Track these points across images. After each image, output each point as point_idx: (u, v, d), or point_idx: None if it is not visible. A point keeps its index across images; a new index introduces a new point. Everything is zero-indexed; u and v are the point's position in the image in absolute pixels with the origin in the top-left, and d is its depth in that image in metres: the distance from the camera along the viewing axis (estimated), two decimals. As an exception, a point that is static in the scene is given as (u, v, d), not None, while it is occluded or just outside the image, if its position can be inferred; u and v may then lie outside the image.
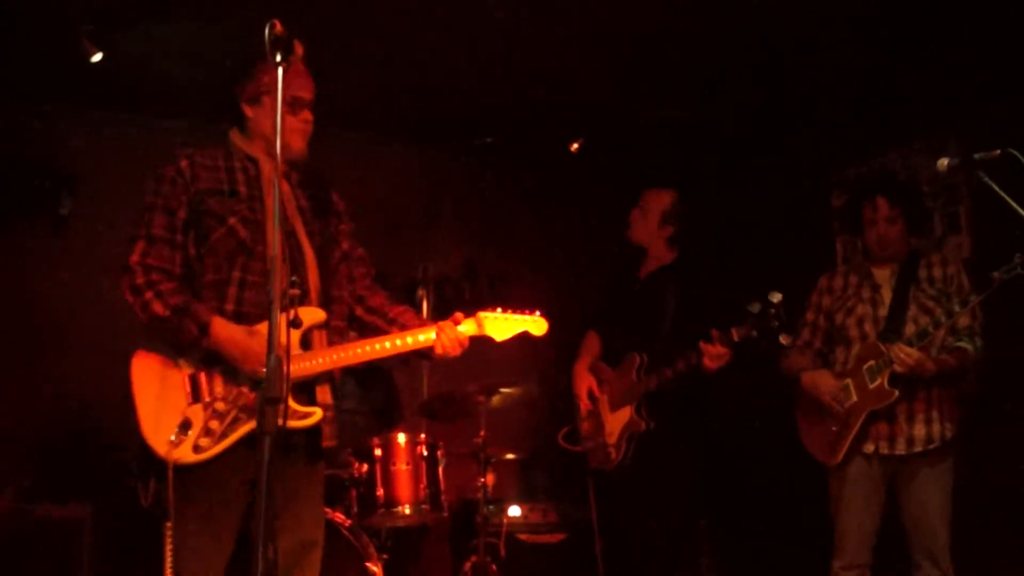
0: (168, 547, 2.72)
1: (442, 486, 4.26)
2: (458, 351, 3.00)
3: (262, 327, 2.73)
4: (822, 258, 5.27)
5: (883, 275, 3.98)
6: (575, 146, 5.82)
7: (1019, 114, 4.17)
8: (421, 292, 5.23)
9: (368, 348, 2.90)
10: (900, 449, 3.79)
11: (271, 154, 2.89)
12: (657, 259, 4.52)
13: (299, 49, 2.38)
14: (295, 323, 2.41)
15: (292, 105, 2.91)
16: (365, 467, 4.16)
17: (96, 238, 5.05)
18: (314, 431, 2.81)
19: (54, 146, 5.27)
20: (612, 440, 4.33)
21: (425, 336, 2.96)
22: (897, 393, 3.73)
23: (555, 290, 5.85)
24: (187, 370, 2.76)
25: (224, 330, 2.72)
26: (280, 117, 2.35)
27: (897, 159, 4.94)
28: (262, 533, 2.11)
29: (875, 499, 3.86)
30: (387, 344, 2.93)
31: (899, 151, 4.94)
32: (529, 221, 6.15)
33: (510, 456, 4.87)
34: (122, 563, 4.54)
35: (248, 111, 2.95)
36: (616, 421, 4.34)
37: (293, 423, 2.70)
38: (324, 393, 2.85)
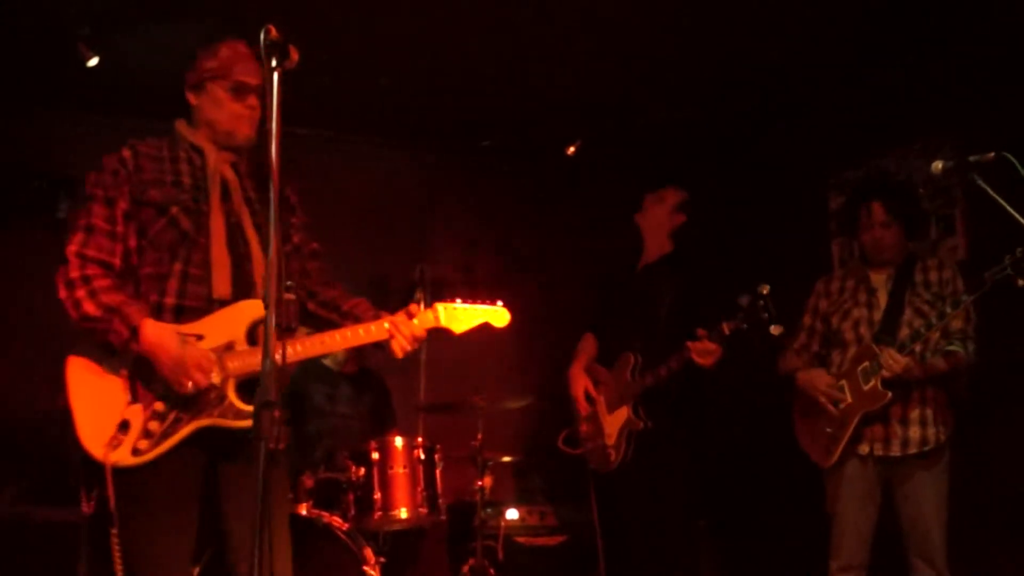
0: (116, 555, 2.60)
1: (439, 489, 4.25)
2: (414, 345, 2.87)
3: (200, 327, 2.66)
4: (818, 260, 5.27)
5: (879, 279, 3.99)
6: (572, 149, 5.83)
7: (1014, 117, 4.18)
8: (419, 294, 5.22)
9: (318, 342, 2.79)
10: (895, 451, 3.79)
11: (217, 143, 2.85)
12: (656, 250, 4.53)
13: (295, 54, 2.35)
14: (289, 329, 2.39)
15: (237, 91, 2.83)
16: (362, 470, 4.14)
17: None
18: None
19: (51, 149, 5.27)
20: (611, 441, 4.33)
21: (377, 328, 2.84)
22: (890, 395, 3.75)
23: (552, 292, 5.86)
24: (124, 369, 2.66)
25: (155, 335, 2.61)
26: (276, 115, 2.29)
27: (893, 161, 4.95)
28: (259, 540, 2.09)
29: (871, 500, 3.87)
30: (337, 338, 2.82)
31: (895, 153, 4.95)
32: (526, 223, 6.16)
33: (507, 459, 4.87)
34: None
35: (192, 99, 2.89)
36: (614, 422, 4.34)
37: (235, 422, 2.63)
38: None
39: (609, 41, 4.76)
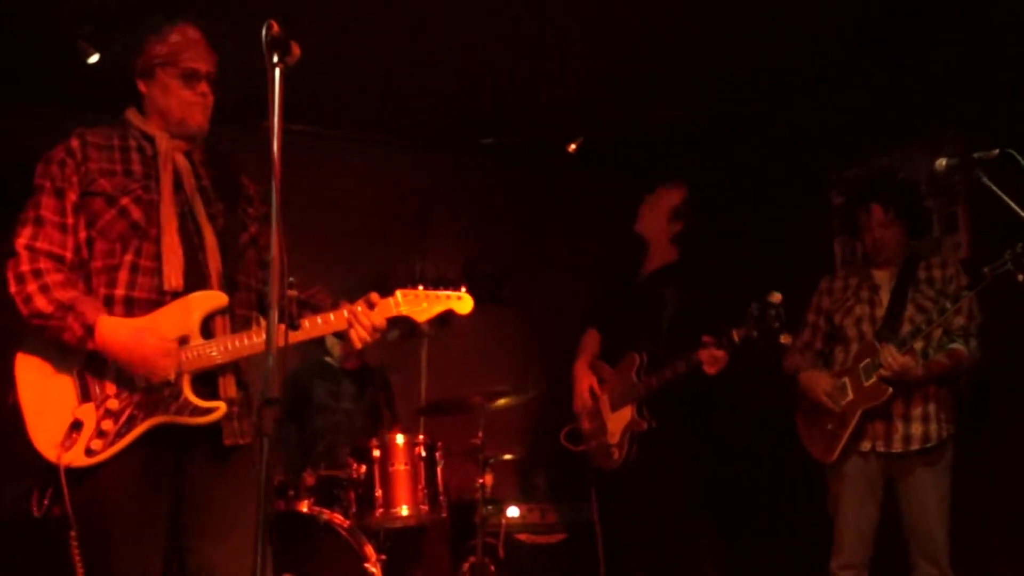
0: (76, 558, 2.51)
1: (441, 487, 4.25)
2: (374, 337, 2.77)
3: (153, 320, 2.57)
4: (820, 259, 5.27)
5: (882, 277, 3.99)
6: (573, 147, 5.82)
7: (1018, 114, 4.17)
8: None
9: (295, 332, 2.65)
10: (897, 447, 3.79)
11: (170, 132, 2.76)
12: (660, 256, 4.52)
13: (296, 50, 2.33)
14: (292, 325, 2.38)
15: (187, 78, 2.74)
16: (363, 468, 4.14)
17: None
18: (213, 429, 2.60)
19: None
20: (614, 440, 4.33)
21: (336, 318, 2.74)
22: (891, 390, 3.75)
23: (554, 290, 5.86)
24: (75, 367, 2.57)
25: (111, 332, 2.51)
26: (277, 112, 2.26)
27: (896, 159, 4.94)
28: (260, 540, 2.08)
29: (872, 498, 3.87)
30: (310, 328, 2.72)
31: (898, 151, 4.94)
32: (528, 221, 6.15)
33: (509, 456, 4.87)
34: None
35: (142, 86, 2.79)
36: (617, 421, 4.34)
37: (191, 419, 2.56)
38: (228, 385, 2.64)
39: (610, 39, 4.75)
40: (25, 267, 2.56)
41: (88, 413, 2.54)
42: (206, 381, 2.61)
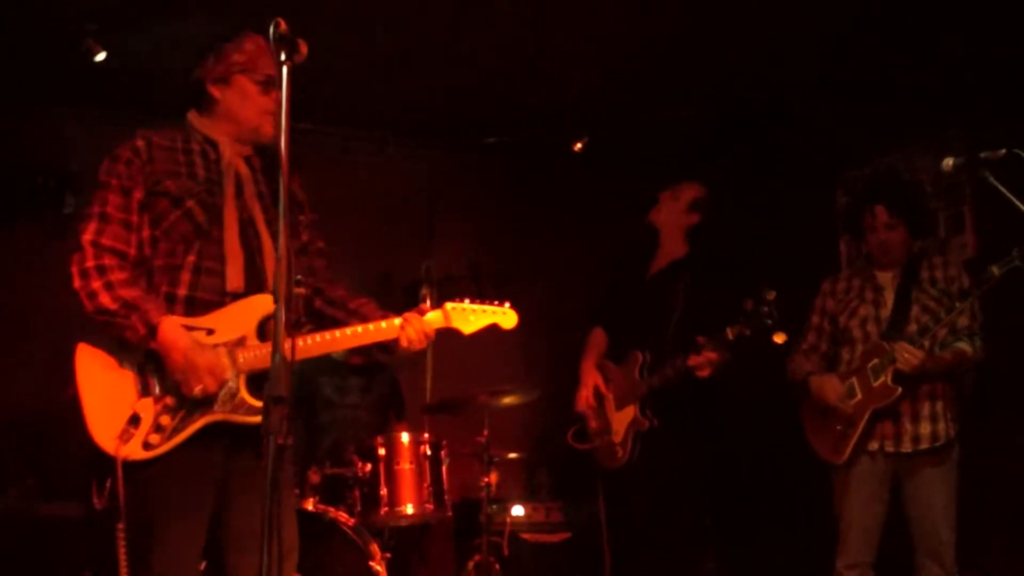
0: (122, 551, 2.57)
1: (445, 485, 4.25)
2: (424, 343, 2.86)
3: (212, 321, 2.64)
4: (826, 258, 5.26)
5: (886, 277, 3.99)
6: (579, 145, 5.82)
7: (1024, 113, 4.17)
8: (424, 291, 5.22)
9: (328, 337, 2.78)
10: (906, 447, 3.79)
11: (240, 138, 2.82)
12: (670, 252, 4.52)
13: (304, 48, 2.35)
14: (298, 324, 2.39)
15: (265, 85, 2.79)
16: (368, 466, 4.15)
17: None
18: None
19: (58, 145, 5.27)
20: (618, 439, 4.33)
21: (388, 325, 2.83)
22: (900, 390, 3.74)
23: (559, 289, 5.86)
24: (136, 362, 2.63)
25: (172, 336, 2.57)
26: (285, 110, 2.29)
27: (902, 159, 4.93)
28: (266, 538, 2.08)
29: (878, 498, 3.87)
30: (347, 334, 2.81)
31: (904, 151, 4.93)
32: (533, 220, 6.15)
33: (513, 455, 4.87)
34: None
35: (216, 92, 2.83)
36: (621, 419, 4.34)
37: (246, 418, 2.62)
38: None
39: (615, 38, 4.75)
40: (90, 263, 2.62)
41: (147, 408, 2.60)
42: (261, 382, 2.63)
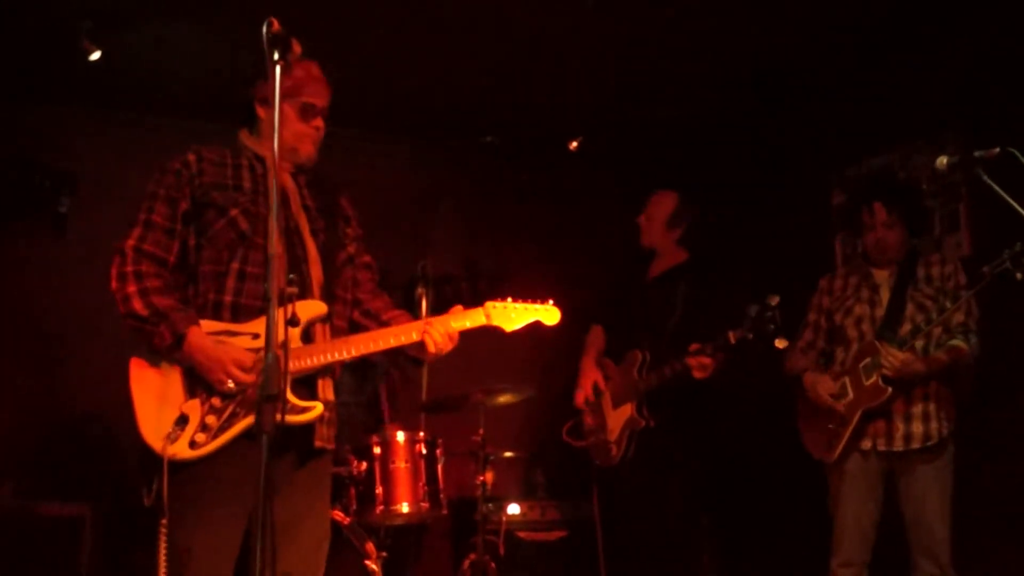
0: (162, 545, 2.66)
1: (441, 484, 4.25)
2: (449, 346, 2.92)
3: (256, 326, 2.71)
4: (821, 256, 5.26)
5: (882, 275, 4.00)
6: (575, 144, 5.82)
7: (1019, 112, 4.17)
8: (420, 290, 5.22)
9: (359, 345, 2.84)
10: (898, 446, 3.80)
11: (282, 155, 2.85)
12: (668, 259, 4.53)
13: (297, 48, 2.36)
14: (293, 321, 2.39)
15: (304, 112, 2.89)
16: (364, 465, 4.14)
17: (96, 237, 5.04)
18: (306, 431, 2.74)
19: (53, 145, 5.27)
20: (613, 437, 4.34)
21: (410, 330, 2.90)
22: (890, 390, 3.75)
23: (555, 288, 5.84)
24: (182, 366, 2.71)
25: (195, 343, 2.66)
26: (278, 113, 2.35)
27: (897, 158, 4.94)
28: (260, 533, 2.09)
29: (873, 496, 3.87)
30: (369, 338, 2.87)
31: (899, 149, 4.94)
32: (529, 219, 6.15)
33: (509, 454, 4.87)
34: (122, 561, 4.54)
35: (261, 112, 2.92)
36: (617, 418, 4.34)
37: (292, 418, 2.66)
38: (327, 388, 2.81)
39: (612, 36, 4.75)
40: (129, 267, 2.72)
41: (194, 408, 2.67)
42: (306, 384, 2.74)
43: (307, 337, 2.77)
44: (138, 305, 2.68)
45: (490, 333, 5.68)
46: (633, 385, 4.29)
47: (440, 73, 5.11)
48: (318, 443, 2.79)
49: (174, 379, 2.70)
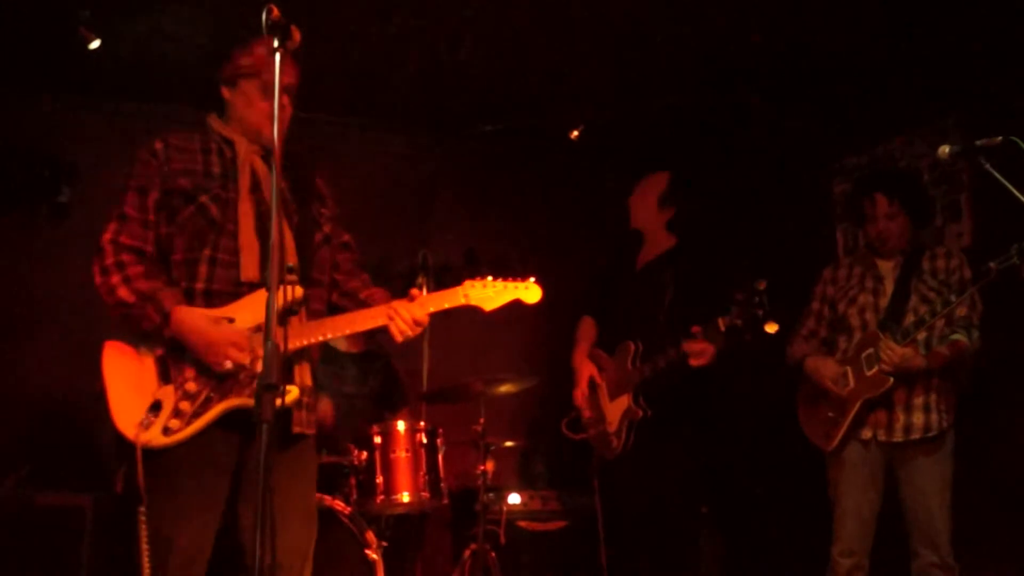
0: (143, 532, 2.65)
1: (442, 473, 4.25)
2: (415, 331, 2.85)
3: (232, 310, 2.71)
4: (822, 247, 5.26)
5: (887, 266, 3.99)
6: (575, 133, 5.81)
7: (1020, 101, 4.16)
8: (421, 279, 5.21)
9: (331, 328, 2.82)
10: (898, 436, 3.80)
11: (248, 136, 2.89)
12: (656, 246, 4.51)
13: (297, 34, 2.36)
14: (291, 311, 2.39)
15: (268, 90, 2.81)
16: (364, 454, 4.15)
17: (96, 226, 5.02)
18: (284, 416, 2.71)
19: (53, 134, 5.26)
20: (612, 428, 4.33)
21: (376, 314, 2.85)
22: (891, 381, 3.75)
23: (555, 277, 5.83)
24: (156, 352, 2.72)
25: (188, 319, 2.68)
26: (277, 100, 2.36)
27: (898, 147, 4.93)
28: (259, 524, 2.09)
29: (873, 486, 3.88)
30: (337, 321, 2.85)
31: (900, 139, 4.93)
32: (530, 208, 6.14)
33: (510, 444, 4.87)
34: (122, 550, 4.54)
35: (226, 94, 2.93)
36: (615, 409, 4.34)
37: None
38: (304, 373, 2.80)
39: (612, 25, 4.73)
40: (109, 260, 2.74)
41: (167, 394, 2.67)
42: (283, 368, 2.66)
43: (283, 322, 2.69)
44: (124, 293, 2.70)
45: (489, 322, 5.70)
46: (628, 376, 4.28)
47: (439, 62, 5.09)
48: (296, 429, 2.78)
49: (148, 365, 2.71)
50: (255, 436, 2.66)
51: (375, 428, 4.19)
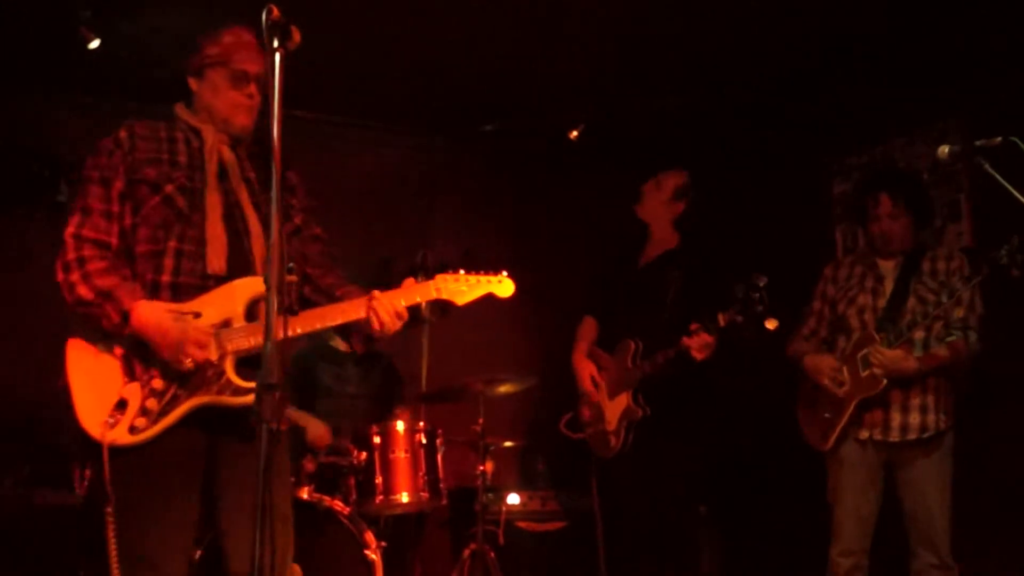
0: (110, 533, 2.60)
1: (441, 474, 4.25)
2: (396, 323, 2.78)
3: (198, 305, 2.65)
4: (822, 246, 5.26)
5: (887, 267, 3.99)
6: (575, 133, 5.80)
7: (1020, 101, 4.16)
8: (421, 278, 5.21)
9: (304, 322, 2.73)
10: (894, 436, 3.80)
11: (216, 125, 2.83)
12: (661, 243, 4.51)
13: (297, 35, 2.34)
14: (291, 310, 2.37)
15: (236, 79, 2.82)
16: (364, 455, 4.15)
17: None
18: (251, 413, 2.62)
19: (51, 133, 5.25)
20: (611, 427, 4.33)
21: (355, 305, 2.78)
22: (885, 382, 3.75)
23: (556, 276, 5.85)
24: (121, 348, 2.65)
25: (149, 316, 2.59)
26: (278, 97, 2.28)
27: (898, 147, 4.93)
28: (259, 523, 2.08)
29: (872, 485, 3.88)
30: (315, 314, 2.77)
31: (900, 139, 4.93)
32: (530, 207, 6.14)
33: (509, 444, 4.87)
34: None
35: (193, 84, 2.88)
36: (614, 408, 4.34)
37: (233, 399, 2.61)
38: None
39: (612, 24, 4.73)
40: (70, 255, 2.66)
41: (133, 392, 2.61)
42: (251, 364, 2.64)
43: (251, 316, 2.69)
44: (83, 291, 2.63)
45: (489, 323, 5.70)
46: (627, 375, 4.28)
47: (439, 62, 5.09)
48: (271, 426, 2.68)
49: (112, 362, 2.64)
50: (225, 433, 2.66)
51: (374, 428, 4.19)
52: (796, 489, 4.85)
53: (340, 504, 4.08)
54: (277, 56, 2.30)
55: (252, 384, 2.54)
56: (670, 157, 4.86)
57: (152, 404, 2.60)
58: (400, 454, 4.15)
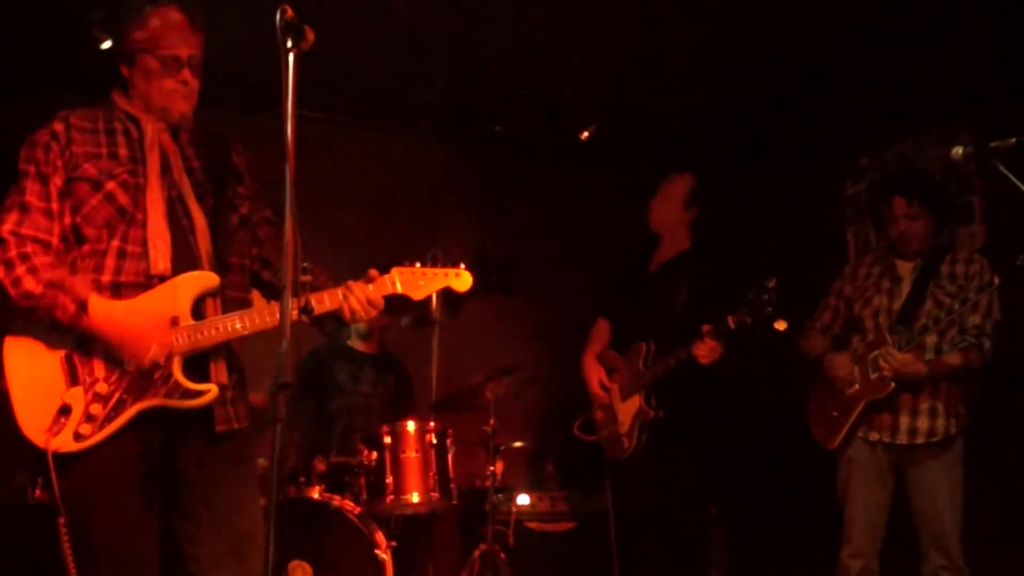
0: (66, 547, 2.45)
1: (451, 474, 4.25)
2: (370, 312, 2.67)
3: (142, 302, 2.51)
4: (833, 247, 5.24)
5: (906, 268, 3.96)
6: (586, 133, 5.80)
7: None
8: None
9: (268, 315, 2.57)
10: (902, 439, 3.79)
11: (154, 114, 2.67)
12: (673, 246, 4.50)
13: (311, 35, 2.31)
14: (306, 310, 2.35)
15: (167, 66, 2.63)
16: (374, 455, 4.15)
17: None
18: (205, 414, 2.53)
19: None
20: (624, 429, 4.33)
21: (331, 297, 2.64)
22: (893, 386, 3.74)
23: (566, 277, 5.85)
24: (63, 350, 2.50)
25: (104, 311, 2.46)
26: (291, 97, 2.24)
27: (911, 148, 4.91)
28: (273, 531, 2.07)
29: (882, 487, 3.87)
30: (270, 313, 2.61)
31: (913, 140, 4.91)
32: (540, 208, 6.14)
33: (519, 444, 4.87)
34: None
35: (124, 70, 2.67)
36: (627, 410, 4.34)
37: (182, 402, 2.50)
38: (219, 370, 2.56)
39: (623, 25, 4.73)
40: (12, 252, 2.50)
41: (76, 397, 2.47)
42: (197, 365, 2.54)
43: (197, 313, 2.55)
44: (30, 283, 2.46)
45: (499, 325, 5.69)
46: (640, 376, 4.28)
47: (449, 62, 5.09)
48: (220, 427, 2.57)
49: (53, 365, 2.49)
50: (175, 436, 2.54)
51: (385, 428, 4.20)
52: (806, 490, 4.84)
53: (350, 504, 4.08)
54: (291, 57, 2.28)
55: (201, 386, 2.51)
56: (681, 158, 4.86)
57: (96, 410, 2.46)
58: (411, 454, 4.15)
